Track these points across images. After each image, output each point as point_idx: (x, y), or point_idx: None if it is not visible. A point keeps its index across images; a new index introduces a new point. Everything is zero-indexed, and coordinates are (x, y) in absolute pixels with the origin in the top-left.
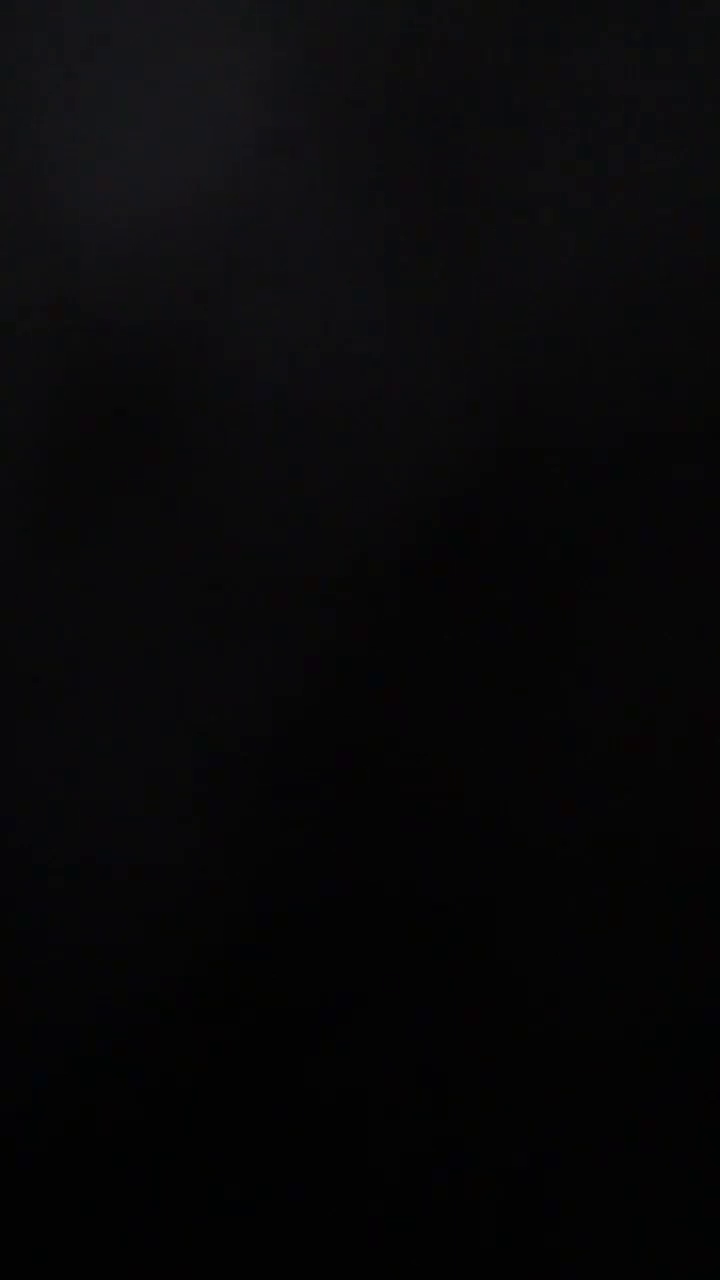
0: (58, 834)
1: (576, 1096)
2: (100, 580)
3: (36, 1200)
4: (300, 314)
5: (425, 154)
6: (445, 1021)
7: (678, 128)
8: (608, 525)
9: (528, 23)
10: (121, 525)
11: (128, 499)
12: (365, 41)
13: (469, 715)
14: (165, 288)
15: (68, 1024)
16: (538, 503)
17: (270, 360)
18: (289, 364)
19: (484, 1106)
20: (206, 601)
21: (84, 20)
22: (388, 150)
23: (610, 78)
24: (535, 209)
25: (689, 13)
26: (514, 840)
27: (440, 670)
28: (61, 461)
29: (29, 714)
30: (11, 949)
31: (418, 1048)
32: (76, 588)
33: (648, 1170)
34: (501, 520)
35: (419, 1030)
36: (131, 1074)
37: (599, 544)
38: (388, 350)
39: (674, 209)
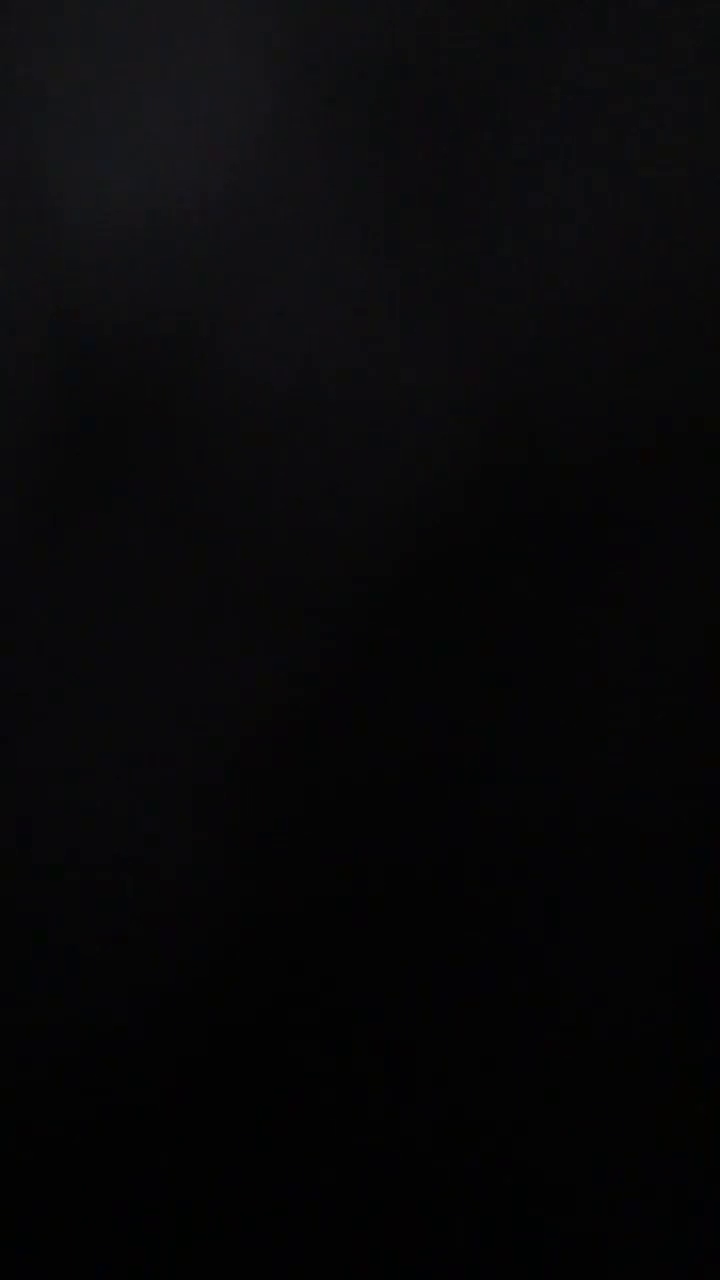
0: (57, 832)
1: (578, 1095)
2: (99, 580)
3: (36, 1200)
4: (300, 314)
5: (425, 153)
6: (446, 1021)
7: (677, 129)
8: (604, 529)
9: (528, 23)
10: (121, 525)
11: (128, 498)
12: (365, 41)
13: (468, 717)
14: (165, 288)
15: (66, 1024)
16: (536, 506)
17: (269, 361)
18: (288, 364)
19: (485, 1106)
20: (205, 602)
21: (84, 19)
22: (388, 149)
23: (610, 79)
24: (534, 211)
25: (688, 13)
26: (516, 841)
27: (439, 672)
28: (61, 461)
29: (28, 713)
30: (11, 948)
31: (418, 1046)
32: (76, 587)
33: (650, 1168)
34: (499, 523)
35: (420, 1029)
36: (131, 1073)
37: (596, 547)
38: (387, 351)
39: (673, 212)
